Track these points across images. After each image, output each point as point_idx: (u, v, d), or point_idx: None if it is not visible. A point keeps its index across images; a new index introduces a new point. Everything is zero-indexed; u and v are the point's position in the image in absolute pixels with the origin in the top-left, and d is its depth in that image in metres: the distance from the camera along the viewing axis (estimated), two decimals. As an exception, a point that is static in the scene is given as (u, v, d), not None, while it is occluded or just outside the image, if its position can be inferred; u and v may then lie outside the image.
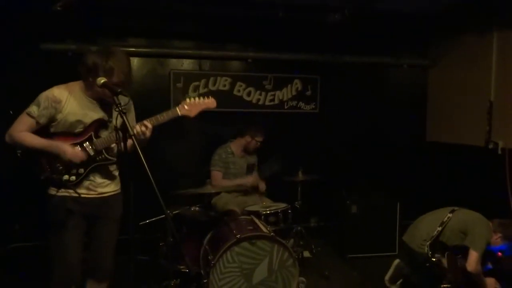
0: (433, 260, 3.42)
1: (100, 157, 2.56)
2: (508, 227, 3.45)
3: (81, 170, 2.52)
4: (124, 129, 2.14)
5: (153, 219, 3.58)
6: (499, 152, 4.42)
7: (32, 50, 4.32)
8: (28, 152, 2.48)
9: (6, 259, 4.19)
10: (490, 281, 3.47)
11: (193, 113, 2.65)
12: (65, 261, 2.53)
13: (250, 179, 4.41)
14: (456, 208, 3.62)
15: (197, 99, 2.67)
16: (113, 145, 2.61)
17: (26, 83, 3.91)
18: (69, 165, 2.48)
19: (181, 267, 3.58)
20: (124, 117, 2.13)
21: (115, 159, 2.62)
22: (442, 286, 3.37)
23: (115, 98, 2.21)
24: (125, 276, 2.72)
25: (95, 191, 2.60)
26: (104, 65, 2.39)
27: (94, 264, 2.70)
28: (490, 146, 4.52)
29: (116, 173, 2.72)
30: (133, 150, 2.26)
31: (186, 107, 2.62)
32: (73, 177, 2.50)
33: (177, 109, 2.61)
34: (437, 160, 5.39)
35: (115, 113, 2.50)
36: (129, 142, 2.24)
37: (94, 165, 2.55)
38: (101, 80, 2.32)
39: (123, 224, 2.71)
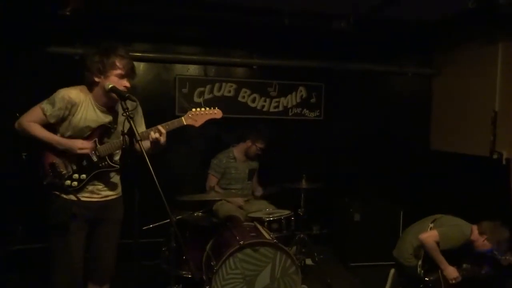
0: (426, 280, 3.43)
1: (103, 163, 2.56)
2: (493, 230, 3.38)
3: (83, 176, 2.52)
4: (131, 134, 2.15)
5: (157, 224, 3.57)
6: (503, 162, 4.41)
7: (39, 53, 4.35)
8: (32, 154, 2.49)
9: (10, 261, 4.19)
10: (451, 269, 3.41)
11: (198, 123, 2.67)
12: (69, 265, 2.53)
13: (239, 201, 4.34)
14: (438, 216, 3.65)
15: (203, 109, 2.68)
16: (117, 152, 2.63)
17: (33, 86, 3.94)
18: (72, 170, 2.49)
19: (184, 272, 3.58)
20: (131, 122, 2.14)
21: (118, 166, 2.62)
22: None
23: (123, 103, 2.22)
24: (128, 280, 2.73)
25: (98, 194, 2.60)
26: (105, 61, 2.45)
27: (95, 266, 2.70)
28: (495, 156, 4.50)
29: (117, 179, 2.72)
30: (139, 155, 2.28)
31: (191, 116, 2.65)
32: (75, 183, 2.51)
33: (183, 118, 2.63)
34: (440, 169, 5.37)
35: (121, 118, 2.51)
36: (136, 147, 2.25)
37: (97, 171, 2.55)
38: (109, 85, 2.33)
39: (126, 228, 2.72)
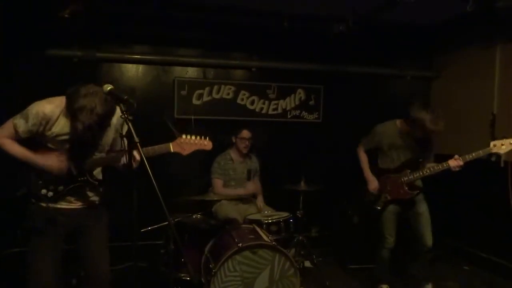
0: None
1: (82, 178, 2.53)
2: (415, 118, 3.58)
3: (61, 188, 2.50)
4: (129, 137, 2.14)
5: (155, 226, 3.57)
6: (502, 165, 4.42)
7: (38, 55, 4.35)
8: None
9: (8, 263, 4.18)
10: (372, 180, 3.88)
11: (186, 151, 2.63)
12: (43, 267, 2.48)
13: (250, 188, 4.41)
14: None
15: (193, 137, 2.64)
16: (98, 168, 2.62)
17: (31, 88, 3.94)
18: (49, 180, 2.46)
19: (182, 275, 3.57)
20: (130, 124, 2.13)
21: (96, 182, 2.59)
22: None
23: (121, 105, 2.21)
24: (127, 283, 2.72)
25: (75, 203, 2.58)
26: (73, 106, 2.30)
27: (90, 273, 2.67)
28: (493, 159, 4.48)
29: (94, 194, 2.64)
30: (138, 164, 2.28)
31: (180, 144, 2.61)
32: (51, 193, 2.48)
33: (170, 145, 2.60)
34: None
35: (108, 132, 2.52)
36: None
37: (75, 185, 2.52)
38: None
39: (125, 231, 2.71)
